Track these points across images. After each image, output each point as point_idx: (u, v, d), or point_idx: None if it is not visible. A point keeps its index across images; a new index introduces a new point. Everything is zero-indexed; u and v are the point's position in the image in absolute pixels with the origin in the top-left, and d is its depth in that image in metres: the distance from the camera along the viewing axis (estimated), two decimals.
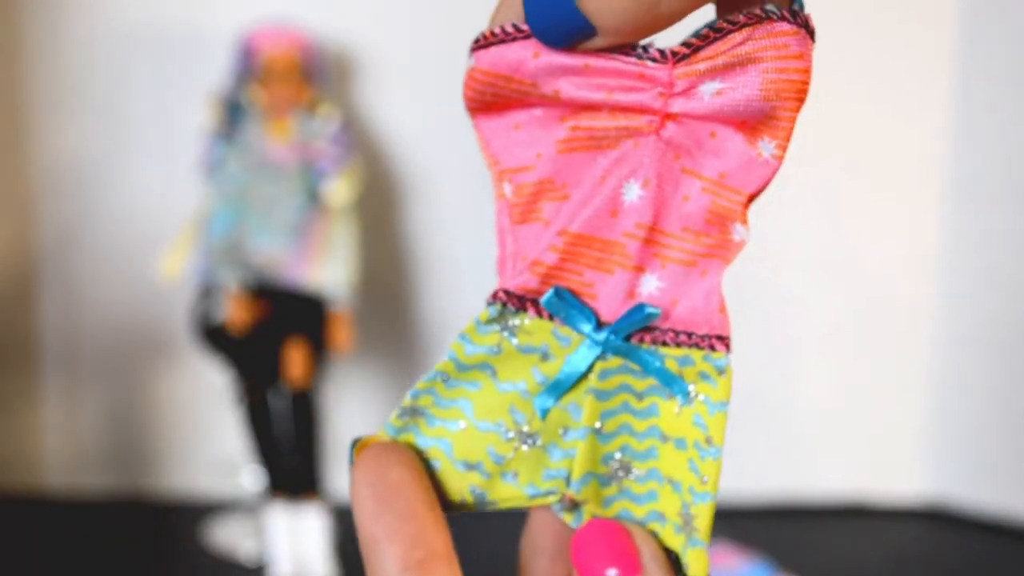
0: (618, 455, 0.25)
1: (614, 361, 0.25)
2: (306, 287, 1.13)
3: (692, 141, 0.23)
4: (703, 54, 0.22)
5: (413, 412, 0.26)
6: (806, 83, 0.22)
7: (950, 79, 1.30)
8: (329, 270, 1.13)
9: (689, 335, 0.24)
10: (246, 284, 1.12)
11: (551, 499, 0.25)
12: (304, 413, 1.16)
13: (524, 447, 0.25)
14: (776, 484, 1.36)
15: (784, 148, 0.23)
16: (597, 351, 0.25)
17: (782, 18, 0.21)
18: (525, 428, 0.25)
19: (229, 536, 1.21)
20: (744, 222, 0.24)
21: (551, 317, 0.25)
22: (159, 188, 1.29)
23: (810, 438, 1.37)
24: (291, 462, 1.16)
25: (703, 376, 0.24)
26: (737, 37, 0.21)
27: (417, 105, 1.30)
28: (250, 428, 1.17)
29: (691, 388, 0.25)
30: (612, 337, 0.24)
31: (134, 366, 1.34)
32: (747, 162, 0.23)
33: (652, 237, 0.24)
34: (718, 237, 0.24)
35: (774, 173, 0.23)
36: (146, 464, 1.36)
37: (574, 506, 0.25)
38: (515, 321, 0.25)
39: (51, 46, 1.27)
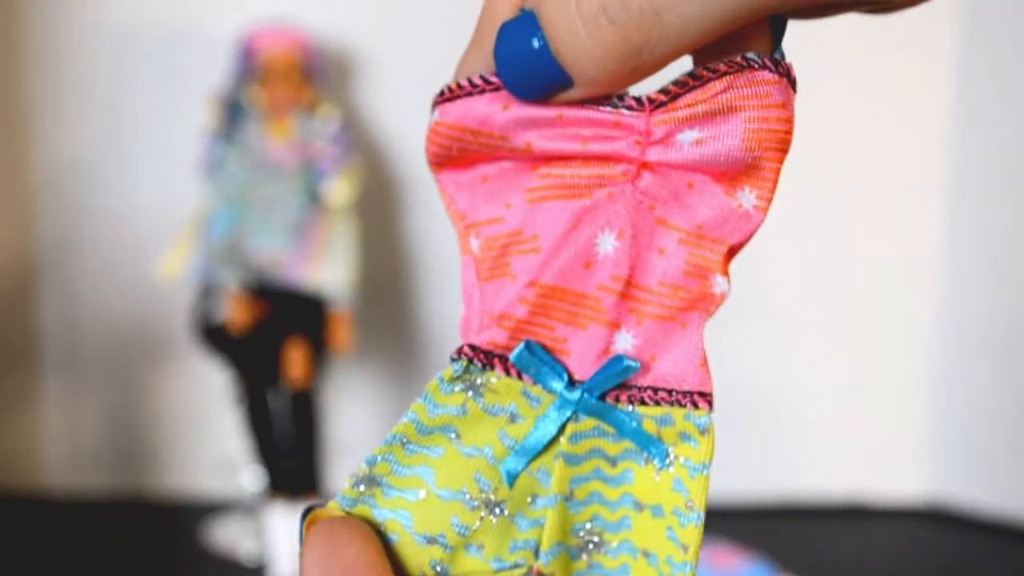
0: (588, 525, 0.24)
1: (587, 423, 0.23)
2: (306, 287, 1.13)
3: (668, 191, 0.22)
4: (682, 101, 0.21)
5: (369, 481, 0.24)
6: (789, 133, 0.21)
7: (950, 81, 1.30)
8: (329, 270, 1.13)
9: (669, 392, 0.23)
10: (246, 284, 1.12)
11: (517, 572, 0.24)
12: (304, 413, 1.16)
13: (491, 517, 0.23)
14: (776, 484, 1.36)
15: (768, 200, 0.22)
16: (569, 411, 0.23)
17: (764, 67, 0.21)
18: (491, 496, 0.23)
19: (229, 536, 1.21)
20: (725, 274, 0.23)
21: (520, 375, 0.23)
22: (159, 188, 1.29)
23: (810, 438, 1.37)
24: (291, 462, 1.16)
25: (684, 437, 0.23)
26: (718, 85, 0.21)
27: (417, 105, 1.30)
28: (250, 428, 1.17)
29: (670, 450, 0.23)
30: (586, 396, 0.23)
31: (134, 366, 1.34)
32: (726, 213, 0.22)
33: (627, 291, 0.23)
34: (698, 290, 0.23)
35: (757, 225, 0.22)
36: (146, 464, 1.36)
37: None
38: (481, 379, 0.23)
39: (50, 46, 1.27)
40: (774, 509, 1.34)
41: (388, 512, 0.23)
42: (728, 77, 0.21)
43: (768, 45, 0.21)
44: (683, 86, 0.21)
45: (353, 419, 1.35)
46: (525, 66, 0.21)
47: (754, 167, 0.21)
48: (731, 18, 0.19)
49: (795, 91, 0.21)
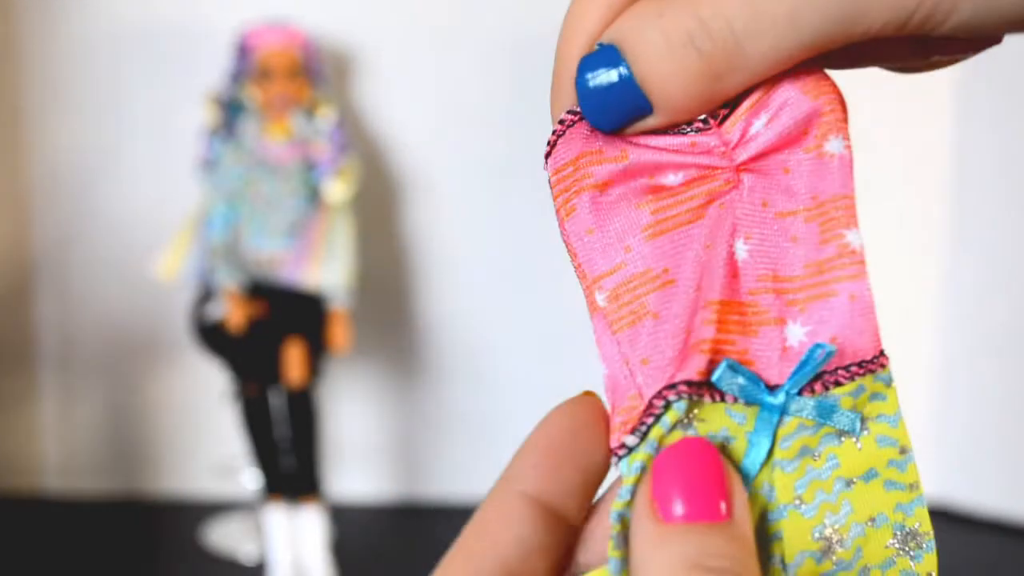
0: (826, 526, 0.23)
1: (790, 425, 0.23)
2: (304, 286, 1.13)
3: (772, 184, 0.23)
4: (742, 104, 0.23)
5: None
6: (836, 87, 0.23)
7: (952, 81, 1.30)
8: (327, 269, 1.13)
9: (859, 364, 0.23)
10: (244, 283, 1.11)
11: None
12: (302, 413, 1.15)
13: None
14: None
15: (847, 136, 0.23)
16: (775, 417, 0.23)
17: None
18: None
19: (228, 537, 1.20)
20: (855, 225, 0.23)
21: (723, 396, 0.23)
22: (157, 188, 1.28)
23: None
24: (289, 463, 1.16)
25: (874, 397, 0.23)
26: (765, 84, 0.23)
27: (416, 104, 1.29)
28: (248, 428, 1.17)
29: (862, 417, 0.23)
30: (788, 395, 0.23)
31: (132, 367, 1.34)
32: (826, 170, 0.23)
33: (778, 287, 0.23)
34: (837, 254, 0.23)
35: (851, 163, 0.23)
36: (144, 465, 1.35)
37: None
38: (691, 413, 0.23)
39: (48, 46, 1.27)
40: None
41: None
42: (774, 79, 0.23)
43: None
44: (738, 102, 0.23)
45: (352, 419, 1.34)
46: (607, 94, 0.22)
47: (821, 113, 0.23)
48: (807, 49, 0.21)
49: (846, 112, 0.23)
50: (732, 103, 0.23)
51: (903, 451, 0.23)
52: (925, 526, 0.23)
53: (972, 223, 1.31)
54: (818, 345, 0.23)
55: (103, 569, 1.13)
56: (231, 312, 1.11)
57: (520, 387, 1.33)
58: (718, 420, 0.23)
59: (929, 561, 0.23)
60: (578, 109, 0.23)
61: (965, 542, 1.24)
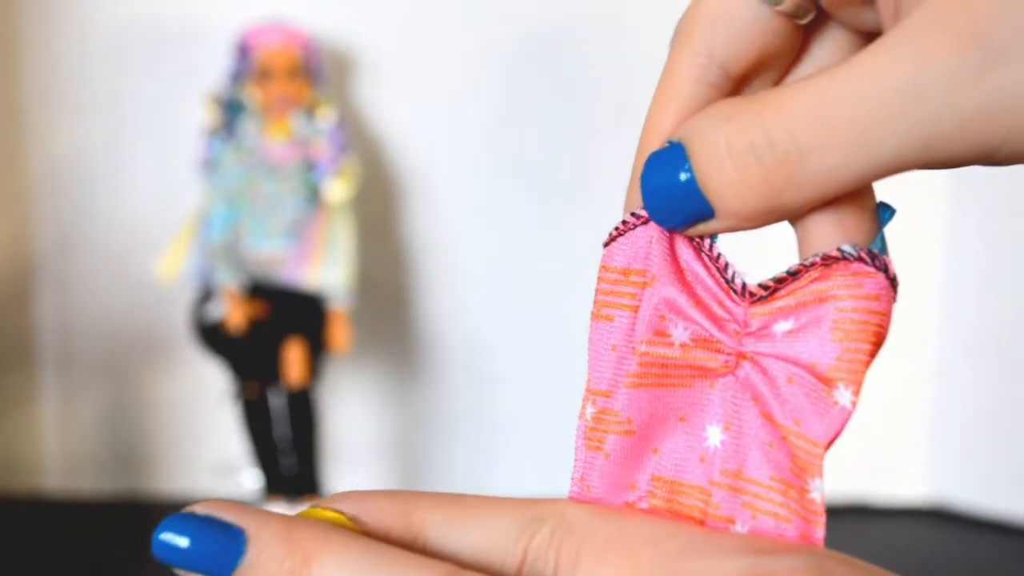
0: None
1: None
2: (304, 286, 1.13)
3: (770, 386, 0.22)
4: (778, 295, 0.22)
5: None
6: (882, 327, 0.21)
7: None
8: (327, 269, 1.13)
9: None
10: (244, 284, 1.11)
11: None
12: (302, 412, 1.15)
13: None
14: None
15: (857, 394, 0.21)
16: None
17: (858, 259, 0.21)
18: None
19: None
20: (821, 476, 0.22)
21: None
22: (157, 188, 1.28)
23: None
24: (289, 463, 1.16)
25: None
26: (811, 275, 0.21)
27: (416, 104, 1.29)
28: (248, 429, 1.17)
29: None
30: None
31: (132, 367, 1.34)
32: (823, 410, 0.21)
33: (738, 485, 0.22)
34: (798, 496, 0.22)
35: (846, 422, 0.21)
36: (144, 465, 1.35)
37: None
38: None
39: (48, 46, 1.27)
40: None
41: None
42: (822, 268, 0.21)
43: (870, 222, 0.22)
44: (781, 281, 0.22)
45: (352, 419, 1.34)
46: (671, 195, 0.22)
47: (846, 360, 0.21)
48: (878, 172, 0.20)
49: (895, 287, 0.22)
50: (771, 288, 0.22)
51: None
52: None
53: (970, 223, 1.31)
54: None
55: (103, 569, 1.13)
56: (231, 312, 1.11)
57: (520, 387, 1.33)
58: None
59: None
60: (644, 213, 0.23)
61: (964, 542, 1.24)
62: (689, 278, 0.23)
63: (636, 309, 0.23)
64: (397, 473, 1.37)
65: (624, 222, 0.23)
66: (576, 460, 0.24)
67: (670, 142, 0.22)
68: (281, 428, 1.16)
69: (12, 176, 1.29)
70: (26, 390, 1.33)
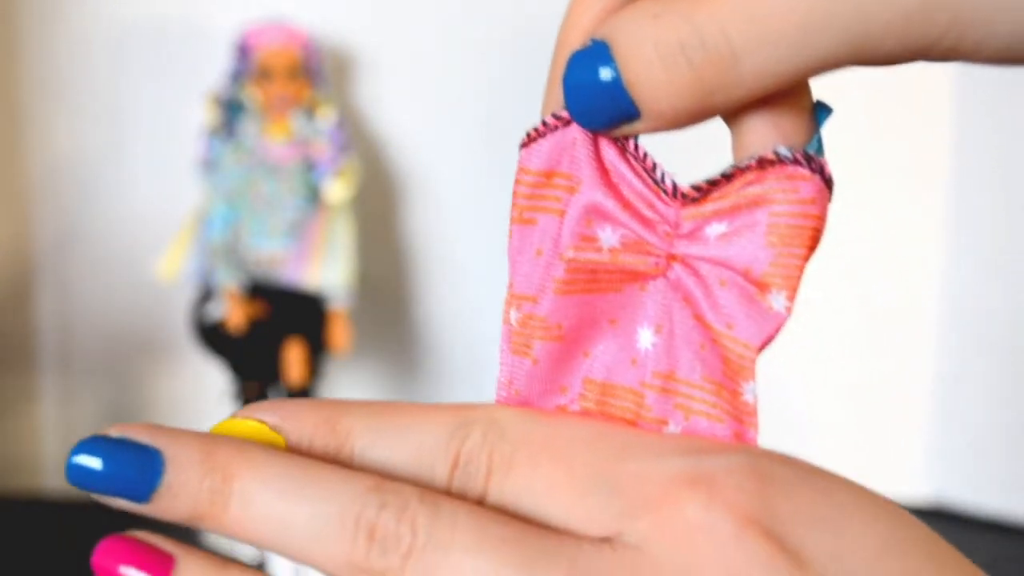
0: None
1: None
2: (304, 286, 1.13)
3: (702, 288, 0.22)
4: (711, 197, 0.21)
5: None
6: (817, 230, 0.21)
7: (951, 80, 1.30)
8: (327, 269, 1.13)
9: None
10: (244, 284, 1.12)
11: None
12: None
13: None
14: None
15: (792, 299, 0.21)
16: None
17: (795, 162, 0.21)
18: None
19: (226, 538, 1.20)
20: (755, 380, 0.22)
21: None
22: (157, 188, 1.28)
23: (811, 439, 1.36)
24: None
25: None
26: (746, 178, 0.21)
27: (416, 104, 1.29)
28: None
29: None
30: None
31: (132, 367, 1.34)
32: (756, 314, 0.21)
33: (669, 386, 0.22)
34: (731, 397, 0.22)
35: (780, 327, 0.21)
36: None
37: None
38: None
39: (48, 46, 1.27)
40: None
41: None
42: (757, 171, 0.21)
43: (807, 123, 0.22)
44: (714, 184, 0.21)
45: None
46: (594, 96, 0.21)
47: (780, 264, 0.21)
48: (809, 71, 0.20)
49: (831, 188, 0.21)
50: (704, 190, 0.21)
51: None
52: None
53: (972, 222, 1.31)
54: None
55: None
56: (231, 312, 1.12)
57: None
58: None
59: None
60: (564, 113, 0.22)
61: (965, 542, 1.24)
62: (616, 180, 0.22)
63: (562, 214, 0.23)
64: None
65: (544, 123, 0.23)
66: (502, 364, 0.24)
67: (593, 40, 0.21)
68: None
69: (12, 176, 1.29)
70: (26, 390, 1.33)
